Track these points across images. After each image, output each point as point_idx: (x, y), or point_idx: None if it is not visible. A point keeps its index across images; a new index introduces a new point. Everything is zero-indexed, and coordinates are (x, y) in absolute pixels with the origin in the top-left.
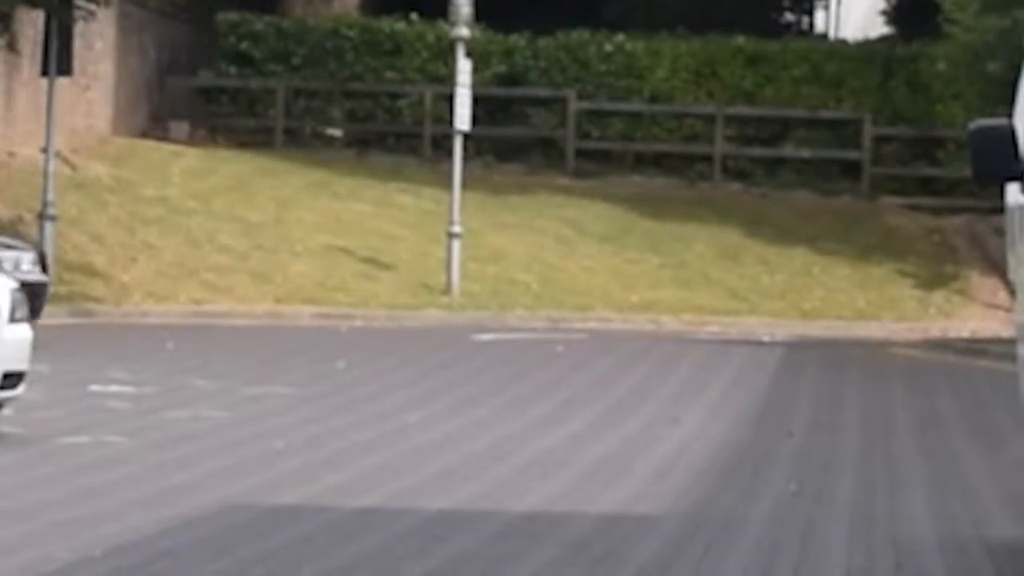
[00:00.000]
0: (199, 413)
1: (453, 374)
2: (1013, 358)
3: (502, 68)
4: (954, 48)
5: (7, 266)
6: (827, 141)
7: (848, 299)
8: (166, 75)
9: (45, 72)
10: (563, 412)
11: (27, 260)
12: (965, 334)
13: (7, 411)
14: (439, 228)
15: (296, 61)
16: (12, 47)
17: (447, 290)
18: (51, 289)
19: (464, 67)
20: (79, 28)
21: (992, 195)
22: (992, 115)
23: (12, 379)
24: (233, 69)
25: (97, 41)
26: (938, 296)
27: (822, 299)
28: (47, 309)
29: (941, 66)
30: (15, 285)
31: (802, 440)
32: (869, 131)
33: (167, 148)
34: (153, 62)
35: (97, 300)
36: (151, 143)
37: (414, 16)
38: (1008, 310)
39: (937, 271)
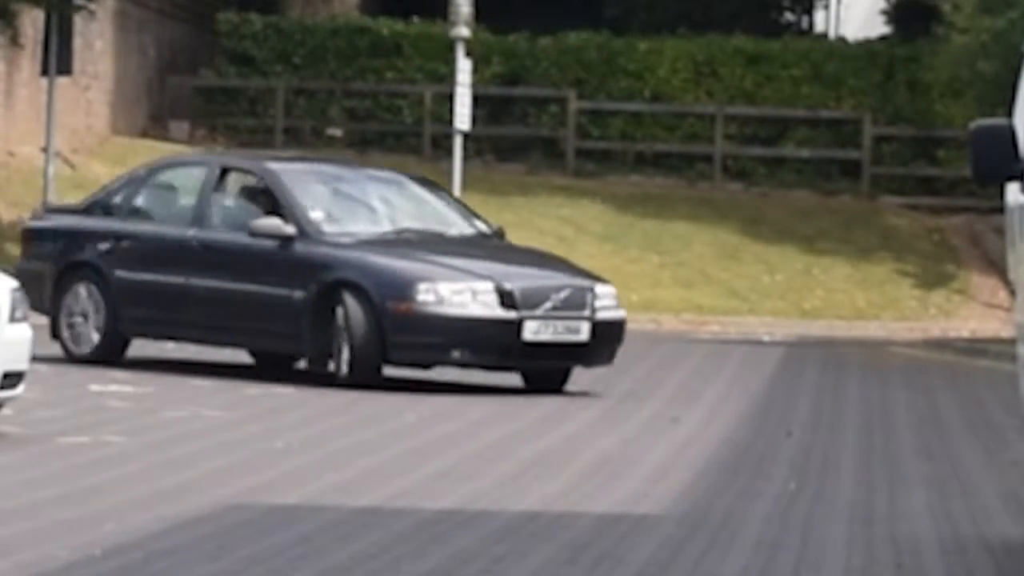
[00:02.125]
0: (199, 413)
1: (452, 373)
2: (1013, 358)
3: (502, 68)
4: (951, 51)
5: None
6: (827, 141)
7: (848, 299)
8: (166, 75)
9: (45, 71)
10: (562, 411)
11: (607, 293)
12: (965, 334)
13: (7, 411)
14: None
15: (296, 61)
16: (15, 41)
17: None
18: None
19: (464, 67)
20: (79, 27)
21: (992, 195)
22: (990, 116)
23: (12, 379)
24: (233, 69)
25: (97, 40)
26: (938, 296)
27: (822, 299)
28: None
29: (940, 71)
30: (15, 285)
31: (802, 440)
32: (869, 131)
33: (167, 148)
34: (153, 62)
35: None
36: (151, 143)
37: (414, 16)
38: (1008, 310)
39: (937, 271)
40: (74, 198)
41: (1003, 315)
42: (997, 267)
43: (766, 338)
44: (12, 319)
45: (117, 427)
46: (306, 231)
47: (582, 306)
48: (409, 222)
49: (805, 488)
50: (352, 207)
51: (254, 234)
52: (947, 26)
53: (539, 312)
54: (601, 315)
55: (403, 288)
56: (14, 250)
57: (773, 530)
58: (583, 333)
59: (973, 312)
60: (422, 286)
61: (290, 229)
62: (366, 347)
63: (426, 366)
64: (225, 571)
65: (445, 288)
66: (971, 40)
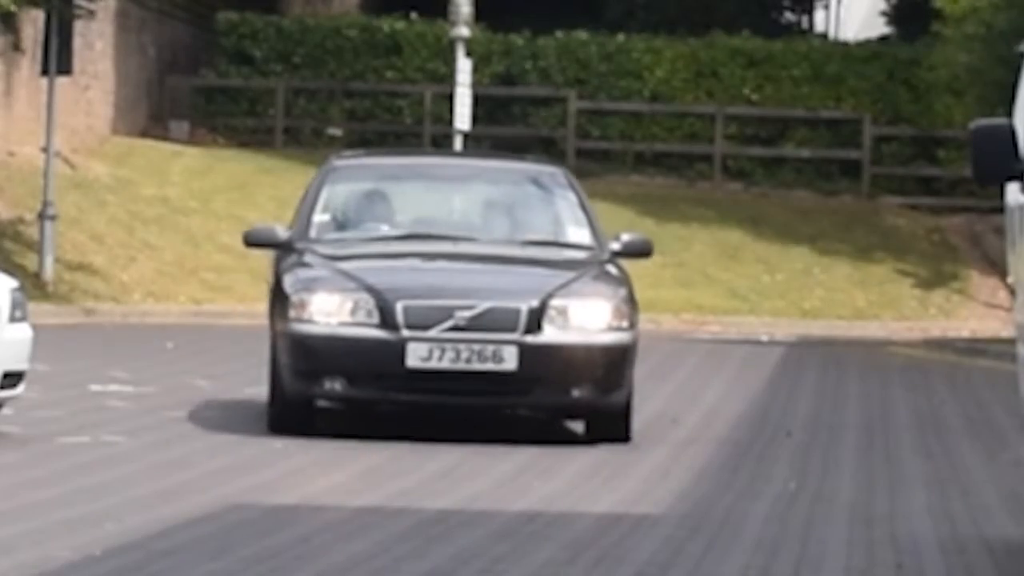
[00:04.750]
0: (199, 413)
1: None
2: (1013, 358)
3: (502, 68)
4: (949, 47)
5: None
6: (827, 141)
7: (848, 299)
8: (166, 75)
9: (45, 71)
10: None
11: (587, 311)
12: (965, 334)
13: (7, 411)
14: None
15: (296, 61)
16: (17, 47)
17: None
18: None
19: (464, 67)
20: (79, 27)
21: (992, 195)
22: (991, 115)
23: (12, 379)
24: (233, 69)
25: (97, 40)
26: (938, 296)
27: (822, 299)
28: (49, 308)
29: (942, 68)
30: (15, 284)
31: (802, 440)
32: (869, 131)
33: (167, 148)
34: (153, 61)
35: (97, 300)
36: (151, 143)
37: (414, 16)
38: (1008, 310)
39: (937, 271)
40: (74, 198)
41: (1003, 315)
42: (997, 267)
43: (765, 338)
44: (12, 319)
45: (117, 427)
46: (296, 238)
47: (509, 328)
48: (447, 228)
49: (805, 488)
50: (390, 208)
51: (248, 243)
52: (945, 22)
53: (432, 333)
54: (548, 338)
55: (284, 303)
56: (14, 249)
57: (773, 530)
58: (507, 361)
59: (973, 312)
60: (294, 299)
61: (283, 235)
62: (272, 378)
63: (311, 405)
64: (225, 571)
65: (317, 302)
66: (969, 34)
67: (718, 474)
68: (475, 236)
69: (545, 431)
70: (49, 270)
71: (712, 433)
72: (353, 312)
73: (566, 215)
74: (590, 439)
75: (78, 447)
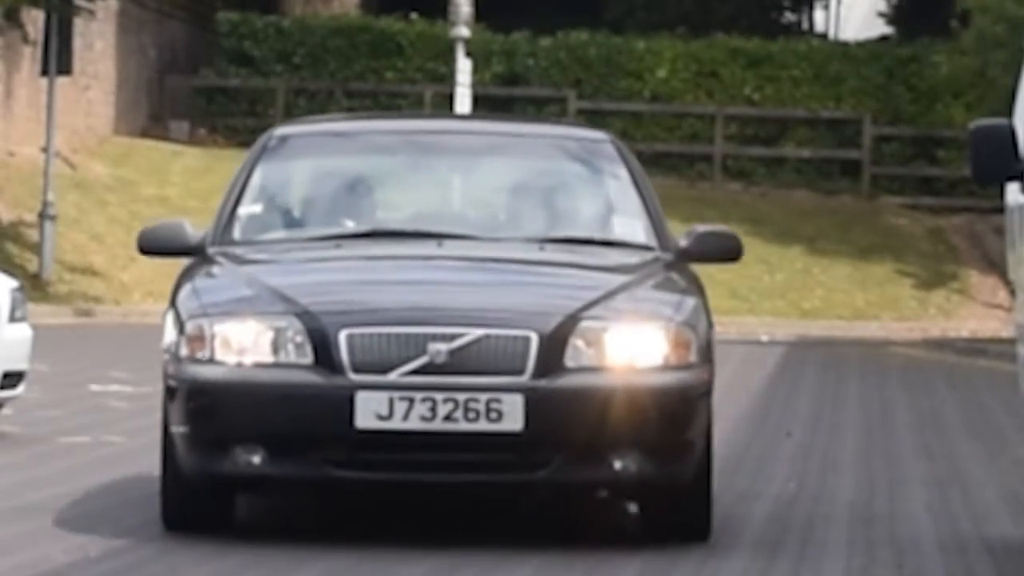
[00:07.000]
0: None
1: None
2: (1013, 358)
3: (502, 68)
4: (969, 38)
5: None
6: (827, 141)
7: (848, 299)
8: (166, 75)
9: (45, 71)
10: None
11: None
12: (965, 334)
13: (7, 411)
14: None
15: (296, 61)
16: (26, 39)
17: None
18: None
19: (464, 67)
20: (79, 28)
21: (992, 195)
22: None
23: (12, 379)
24: (233, 69)
25: (97, 41)
26: (938, 296)
27: (822, 299)
28: (49, 308)
29: (944, 70)
30: (15, 284)
31: (802, 440)
32: (869, 131)
33: (167, 148)
34: (153, 62)
35: (97, 300)
36: (151, 143)
37: (414, 16)
38: (1008, 310)
39: (937, 271)
40: (74, 198)
41: (1003, 315)
42: (997, 267)
43: (764, 338)
44: (12, 319)
45: (117, 427)
46: (212, 240)
47: (512, 367)
48: (436, 223)
49: (805, 488)
50: (356, 195)
51: (144, 250)
52: (961, 16)
53: (392, 377)
54: (570, 382)
55: (176, 335)
56: (14, 249)
57: (773, 530)
58: (509, 418)
59: (973, 312)
60: (189, 329)
61: (194, 237)
62: (163, 448)
63: (223, 486)
64: (225, 571)
65: (223, 333)
66: (989, 25)
67: (718, 474)
68: (476, 233)
69: None
70: (49, 270)
71: (712, 433)
72: (276, 347)
73: (613, 201)
74: (649, 534)
75: (78, 447)
